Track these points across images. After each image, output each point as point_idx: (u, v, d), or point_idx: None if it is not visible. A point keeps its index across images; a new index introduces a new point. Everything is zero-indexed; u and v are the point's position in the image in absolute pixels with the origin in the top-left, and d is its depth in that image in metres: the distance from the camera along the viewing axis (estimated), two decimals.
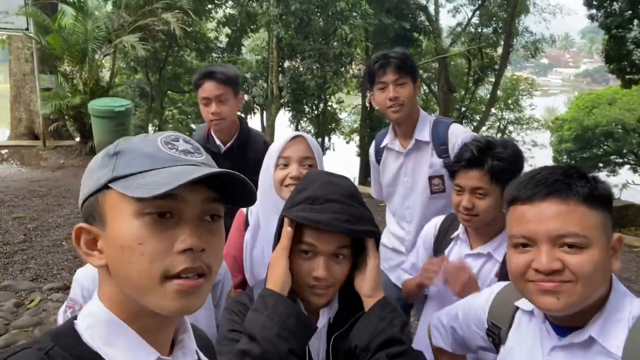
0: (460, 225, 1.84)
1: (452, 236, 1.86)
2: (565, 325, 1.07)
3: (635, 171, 22.25)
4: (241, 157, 2.36)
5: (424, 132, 2.21)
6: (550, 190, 1.02)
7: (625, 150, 21.52)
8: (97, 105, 7.30)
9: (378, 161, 2.40)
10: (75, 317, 0.75)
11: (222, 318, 1.37)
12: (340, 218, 1.16)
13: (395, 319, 1.19)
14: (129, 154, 0.73)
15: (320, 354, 1.26)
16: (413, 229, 2.25)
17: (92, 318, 0.73)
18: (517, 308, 1.21)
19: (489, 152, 1.66)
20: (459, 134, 2.14)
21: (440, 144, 2.16)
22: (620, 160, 22.98)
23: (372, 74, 2.16)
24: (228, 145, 2.39)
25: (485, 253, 1.74)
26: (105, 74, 9.40)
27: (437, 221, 1.98)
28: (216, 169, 0.72)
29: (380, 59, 2.13)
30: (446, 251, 1.86)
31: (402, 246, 2.32)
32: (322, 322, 1.26)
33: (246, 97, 15.60)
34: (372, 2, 14.63)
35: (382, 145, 2.36)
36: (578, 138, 23.31)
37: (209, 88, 2.28)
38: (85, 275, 1.45)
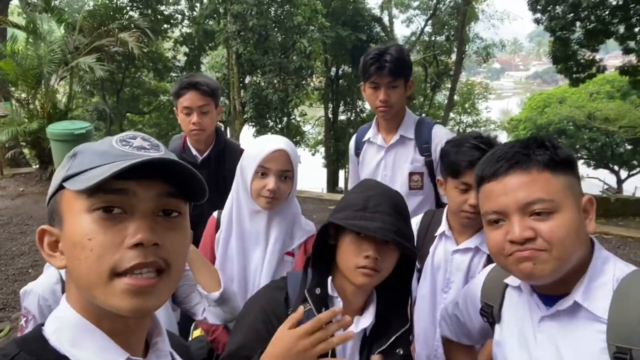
0: (444, 222, 1.84)
1: (435, 234, 1.86)
2: (551, 294, 1.07)
3: (589, 165, 23.24)
4: (218, 167, 2.34)
5: (408, 129, 2.28)
6: (510, 163, 1.04)
7: (578, 146, 22.47)
8: (55, 129, 7.09)
9: (357, 154, 2.45)
10: (42, 324, 0.74)
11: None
12: (389, 228, 1.19)
13: None
14: (83, 153, 0.73)
15: None
16: None
17: (60, 321, 0.72)
18: (507, 285, 1.22)
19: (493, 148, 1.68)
20: (442, 135, 2.22)
21: (423, 142, 2.22)
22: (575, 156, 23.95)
23: (366, 70, 2.19)
24: (205, 155, 2.38)
25: (472, 247, 1.76)
26: (62, 98, 9.17)
27: (416, 221, 1.95)
28: (150, 157, 0.70)
29: (377, 61, 2.14)
30: (431, 249, 1.86)
31: None
32: (354, 329, 1.26)
33: None
34: (328, 16, 14.89)
35: (363, 139, 2.40)
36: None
37: (191, 98, 2.26)
38: (37, 286, 1.45)
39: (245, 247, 1.70)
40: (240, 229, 1.70)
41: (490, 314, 1.26)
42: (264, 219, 1.68)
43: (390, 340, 1.27)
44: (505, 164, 1.05)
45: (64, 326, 0.71)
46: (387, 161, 2.31)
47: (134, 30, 8.81)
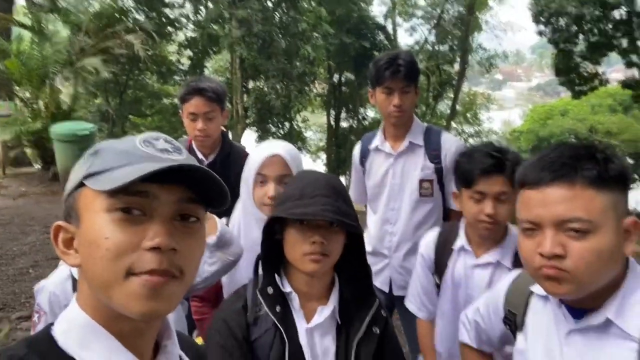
0: (462, 235, 1.80)
1: (453, 247, 1.81)
2: (581, 307, 1.04)
3: None
4: (224, 170, 2.34)
5: (417, 136, 2.27)
6: (555, 175, 0.99)
7: None
8: (59, 129, 7.11)
9: (362, 163, 2.42)
10: (52, 323, 0.73)
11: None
12: (329, 209, 1.21)
13: None
14: (106, 151, 0.73)
15: (328, 352, 1.29)
16: (398, 231, 2.27)
17: (69, 322, 0.71)
18: (532, 293, 1.19)
19: (507, 156, 1.63)
20: (452, 142, 2.23)
21: (433, 149, 2.21)
22: None
23: (379, 75, 2.17)
24: (211, 159, 2.38)
25: (493, 262, 1.71)
26: (65, 99, 9.20)
27: (433, 236, 1.92)
28: (180, 162, 0.69)
29: (391, 65, 2.13)
30: (450, 264, 1.82)
31: (385, 249, 2.34)
32: (318, 319, 1.29)
33: None
34: (332, 23, 14.96)
35: (370, 147, 2.38)
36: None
37: (197, 104, 2.25)
38: (49, 283, 1.48)
39: (254, 257, 1.69)
40: (248, 238, 1.69)
41: (514, 321, 1.24)
42: None
43: (366, 323, 1.29)
44: (550, 174, 0.99)
45: (72, 327, 0.70)
46: (395, 169, 2.29)
47: (140, 33, 8.85)
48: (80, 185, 0.72)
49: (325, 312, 1.30)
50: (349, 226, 1.25)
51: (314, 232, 1.22)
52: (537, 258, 1.00)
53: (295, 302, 1.30)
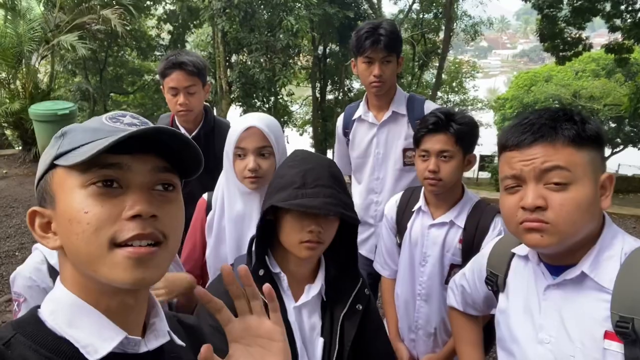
0: (421, 197, 1.91)
1: (413, 209, 1.92)
2: (559, 264, 1.10)
3: None
4: (208, 145, 2.32)
5: (400, 106, 2.28)
6: (536, 136, 1.04)
7: None
8: (38, 109, 6.95)
9: (345, 134, 2.43)
10: (38, 306, 0.73)
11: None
12: (333, 202, 1.21)
13: None
14: (73, 131, 0.73)
15: (315, 329, 1.31)
16: (383, 200, 2.30)
17: (55, 303, 0.72)
18: (513, 255, 1.25)
19: (452, 117, 1.75)
20: (434, 109, 2.24)
21: (416, 117, 2.21)
22: None
23: (360, 45, 2.16)
24: (194, 133, 2.35)
25: (447, 221, 1.82)
26: (43, 78, 8.98)
27: (396, 198, 2.03)
28: (145, 127, 0.69)
29: (372, 35, 2.13)
30: (408, 224, 1.92)
31: (371, 218, 2.37)
32: (305, 298, 1.31)
33: None
34: None
35: (353, 118, 2.39)
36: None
37: (177, 78, 2.21)
38: (23, 268, 1.43)
39: (239, 229, 1.69)
40: (232, 211, 1.68)
41: (495, 282, 1.29)
42: (257, 200, 1.66)
43: (350, 300, 1.32)
44: (531, 136, 1.05)
45: (59, 307, 0.71)
46: (379, 138, 2.31)
47: (116, 7, 8.59)
48: (52, 167, 0.71)
49: (312, 291, 1.32)
50: (351, 219, 1.26)
51: (311, 222, 1.22)
52: (519, 212, 1.06)
53: (284, 282, 1.31)
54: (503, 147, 1.12)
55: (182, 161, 0.75)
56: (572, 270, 1.07)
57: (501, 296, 1.28)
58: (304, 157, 1.31)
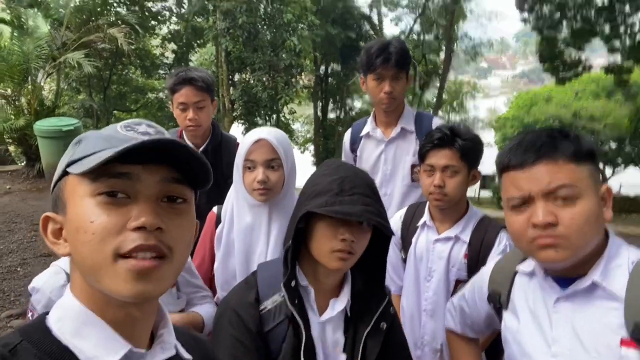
0: (426, 212, 1.91)
1: (417, 224, 1.92)
2: (566, 276, 1.12)
3: None
4: (216, 160, 2.33)
5: (409, 122, 2.31)
6: (538, 154, 1.08)
7: None
8: (43, 125, 7.00)
9: (353, 150, 2.45)
10: (47, 312, 0.73)
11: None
12: (371, 211, 1.18)
13: None
14: (88, 139, 0.73)
15: (338, 345, 1.28)
16: (391, 215, 2.30)
17: (63, 311, 0.71)
18: (516, 272, 1.26)
19: (458, 132, 1.77)
20: (439, 125, 2.26)
21: (424, 134, 2.24)
22: None
23: (370, 63, 2.19)
24: (202, 149, 2.37)
25: (452, 236, 1.82)
26: (48, 95, 9.06)
27: (400, 213, 2.03)
28: (155, 137, 0.69)
29: (382, 52, 2.16)
30: (413, 239, 1.92)
31: None
32: (330, 313, 1.28)
33: None
34: (317, 13, 14.89)
35: (361, 135, 2.40)
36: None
37: (187, 94, 2.24)
38: (50, 286, 1.44)
39: (248, 242, 1.69)
40: (241, 224, 1.69)
41: (498, 300, 1.29)
42: (265, 212, 1.68)
43: (375, 318, 1.28)
44: (533, 154, 1.08)
45: (66, 316, 0.71)
46: (387, 155, 2.33)
47: (123, 26, 8.72)
48: (65, 174, 0.72)
49: (337, 306, 1.29)
50: (386, 229, 1.22)
51: (345, 230, 1.18)
52: (529, 230, 1.07)
53: (310, 295, 1.28)
54: (505, 167, 1.14)
55: (194, 173, 0.74)
56: (582, 281, 1.09)
57: (506, 314, 1.28)
58: (339, 165, 1.29)
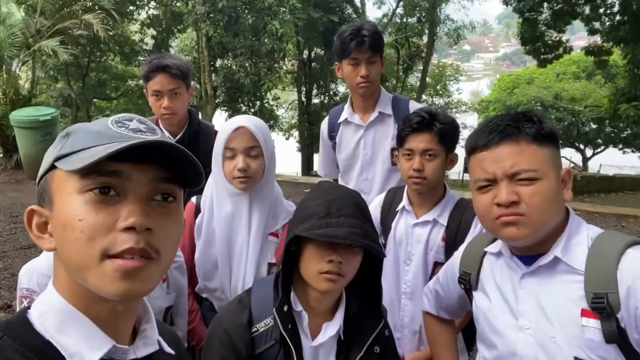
0: (405, 197, 1.93)
1: (396, 209, 1.94)
2: (530, 255, 1.19)
3: None
4: (193, 149, 2.30)
5: (386, 106, 2.30)
6: (502, 135, 1.15)
7: None
8: (19, 115, 6.86)
9: (331, 137, 2.44)
10: (28, 307, 0.72)
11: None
12: (358, 232, 1.18)
13: None
14: (77, 133, 0.72)
15: None
16: (372, 200, 2.30)
17: (45, 306, 0.71)
18: (485, 253, 1.32)
19: (436, 116, 1.78)
20: (417, 109, 2.26)
21: (402, 117, 2.21)
22: None
23: (344, 48, 2.18)
24: (178, 137, 2.34)
25: (430, 220, 1.84)
26: (24, 84, 8.85)
27: (379, 198, 2.05)
28: (147, 139, 0.68)
29: (356, 36, 2.15)
30: (393, 224, 1.94)
31: None
32: (323, 338, 1.27)
33: None
34: None
35: (338, 121, 2.40)
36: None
37: (161, 82, 2.21)
38: (38, 264, 1.45)
39: (228, 231, 1.68)
40: (222, 213, 1.68)
41: (468, 281, 1.36)
42: (246, 201, 1.67)
43: (368, 343, 1.27)
44: (497, 135, 1.15)
45: (49, 311, 0.70)
46: (366, 139, 2.33)
47: (99, 12, 8.52)
48: (52, 167, 0.71)
49: (330, 330, 1.28)
50: (376, 251, 1.21)
51: (332, 251, 1.18)
52: (494, 209, 1.15)
53: (304, 321, 1.27)
54: (473, 149, 1.21)
55: (184, 172, 0.73)
56: (545, 257, 1.16)
57: (476, 294, 1.34)
58: (327, 188, 1.30)
